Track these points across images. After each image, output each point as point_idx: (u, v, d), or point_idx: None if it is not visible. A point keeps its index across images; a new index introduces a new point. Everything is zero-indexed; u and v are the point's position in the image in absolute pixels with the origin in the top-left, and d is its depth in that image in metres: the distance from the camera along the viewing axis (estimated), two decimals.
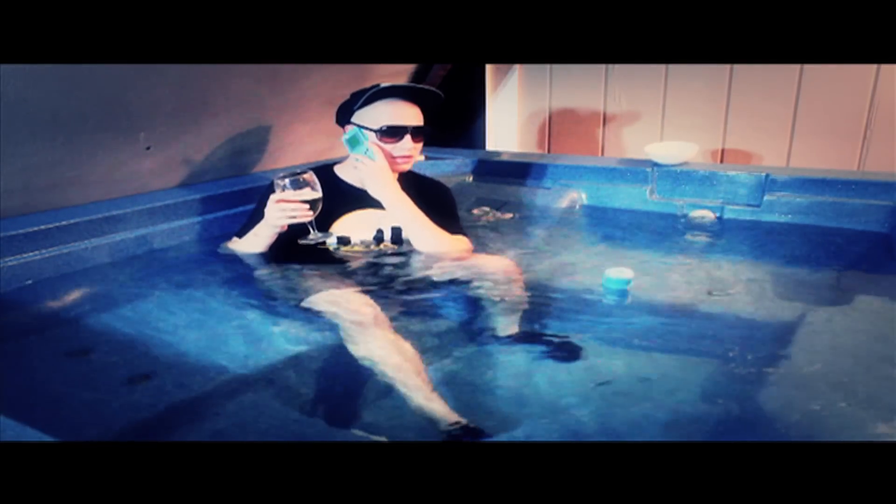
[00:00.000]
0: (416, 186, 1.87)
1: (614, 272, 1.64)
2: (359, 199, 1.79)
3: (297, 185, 1.60)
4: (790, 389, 1.24)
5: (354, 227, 1.79)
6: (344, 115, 1.83)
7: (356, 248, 1.78)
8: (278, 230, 1.69)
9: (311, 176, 1.61)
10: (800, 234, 2.13)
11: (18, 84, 1.66)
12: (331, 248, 1.74)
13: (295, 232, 1.69)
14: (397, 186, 1.77)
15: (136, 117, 2.03)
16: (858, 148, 2.58)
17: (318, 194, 1.62)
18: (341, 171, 1.85)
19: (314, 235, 1.68)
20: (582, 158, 2.76)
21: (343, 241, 1.77)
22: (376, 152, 1.74)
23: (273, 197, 1.62)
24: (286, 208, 1.61)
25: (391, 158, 1.76)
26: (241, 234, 1.83)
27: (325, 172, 1.68)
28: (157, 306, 1.66)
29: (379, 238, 1.80)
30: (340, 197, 1.75)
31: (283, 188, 1.60)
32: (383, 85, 1.75)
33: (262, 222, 1.69)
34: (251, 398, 1.25)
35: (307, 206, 1.61)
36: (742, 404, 1.19)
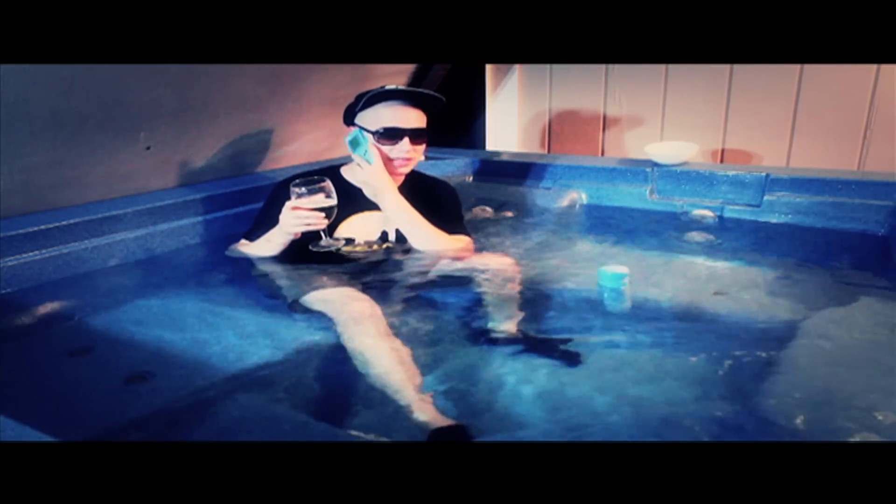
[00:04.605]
0: (420, 186, 1.88)
1: (609, 268, 1.65)
2: (365, 200, 1.80)
3: (313, 192, 1.58)
4: (789, 390, 1.24)
5: (360, 228, 1.80)
6: (348, 117, 1.84)
7: (359, 248, 1.78)
8: (292, 237, 1.69)
9: (327, 183, 1.60)
10: (800, 235, 2.13)
11: (18, 84, 1.67)
12: (333, 249, 1.74)
13: (306, 238, 1.68)
14: (394, 189, 1.77)
15: (136, 117, 2.03)
16: (858, 148, 2.58)
17: (334, 201, 1.60)
18: (347, 173, 1.86)
19: (326, 242, 1.67)
20: (582, 158, 2.76)
21: (347, 241, 1.77)
22: (374, 155, 1.74)
23: (288, 204, 1.61)
24: (301, 216, 1.59)
25: (388, 161, 1.76)
26: (249, 237, 1.83)
27: (331, 174, 1.68)
28: (156, 306, 1.66)
29: (383, 239, 1.80)
30: (346, 198, 1.74)
31: (299, 195, 1.58)
32: (385, 87, 1.75)
33: (276, 229, 1.68)
34: (251, 398, 1.25)
35: (322, 213, 1.59)
36: (740, 405, 1.19)
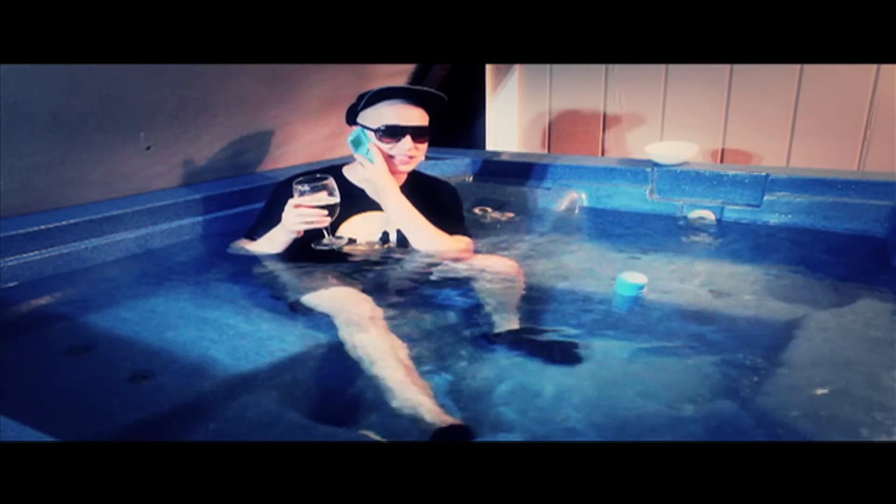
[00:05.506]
0: (421, 186, 1.88)
1: (628, 276, 1.62)
2: (366, 200, 1.80)
3: (316, 189, 1.59)
4: (790, 391, 1.24)
5: (361, 229, 1.80)
6: (350, 116, 1.84)
7: (361, 248, 1.78)
8: (294, 235, 1.69)
9: (330, 181, 1.60)
10: (800, 235, 2.13)
11: (18, 84, 1.66)
12: (335, 247, 1.74)
13: (309, 236, 1.68)
14: (395, 188, 1.77)
15: (136, 117, 2.03)
16: (858, 148, 2.58)
17: (336, 199, 1.61)
18: (349, 173, 1.86)
19: (328, 240, 1.67)
20: (582, 158, 2.76)
21: (349, 240, 1.78)
22: (376, 154, 1.74)
23: (291, 202, 1.61)
24: (304, 213, 1.60)
25: (390, 159, 1.76)
26: (251, 235, 1.83)
27: (332, 174, 1.68)
28: (156, 306, 1.66)
29: (384, 239, 1.80)
30: (348, 198, 1.74)
31: (302, 193, 1.59)
32: (387, 86, 1.75)
33: (279, 227, 1.69)
34: (251, 397, 1.25)
35: (325, 211, 1.60)
36: (741, 405, 1.19)
